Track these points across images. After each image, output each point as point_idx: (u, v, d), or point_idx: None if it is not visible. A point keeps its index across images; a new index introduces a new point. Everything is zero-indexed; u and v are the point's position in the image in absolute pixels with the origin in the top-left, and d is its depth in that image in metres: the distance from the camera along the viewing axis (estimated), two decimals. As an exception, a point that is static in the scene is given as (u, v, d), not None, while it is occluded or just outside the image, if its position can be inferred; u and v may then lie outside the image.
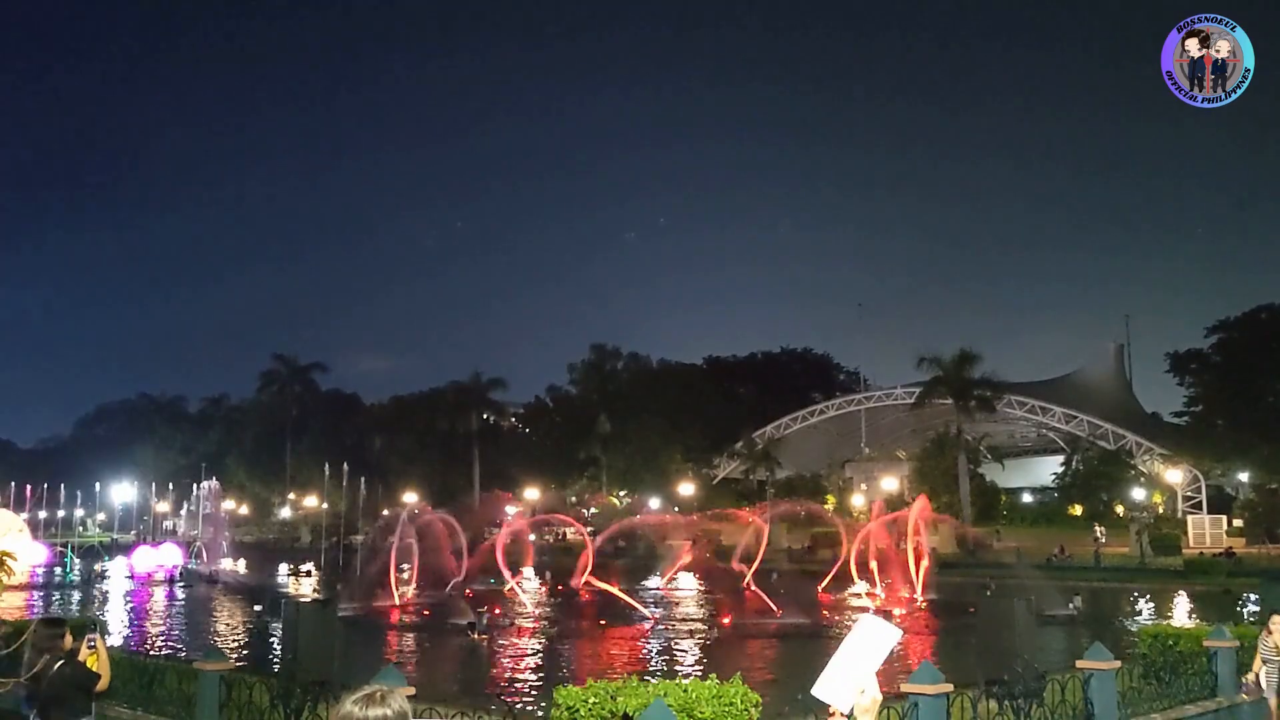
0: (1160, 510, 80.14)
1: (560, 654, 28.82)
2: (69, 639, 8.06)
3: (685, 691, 9.28)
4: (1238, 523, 76.11)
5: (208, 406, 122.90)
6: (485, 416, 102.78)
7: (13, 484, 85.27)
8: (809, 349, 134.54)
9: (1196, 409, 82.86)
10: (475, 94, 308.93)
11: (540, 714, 11.81)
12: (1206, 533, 73.63)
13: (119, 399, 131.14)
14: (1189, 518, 77.21)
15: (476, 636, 30.87)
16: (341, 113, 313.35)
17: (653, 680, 10.15)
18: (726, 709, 9.22)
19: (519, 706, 17.65)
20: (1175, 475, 79.38)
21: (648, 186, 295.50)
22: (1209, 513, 77.61)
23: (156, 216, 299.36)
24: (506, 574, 45.28)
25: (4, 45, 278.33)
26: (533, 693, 21.43)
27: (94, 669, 8.08)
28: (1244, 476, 79.10)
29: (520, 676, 24.88)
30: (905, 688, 11.22)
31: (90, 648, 8.21)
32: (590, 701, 9.24)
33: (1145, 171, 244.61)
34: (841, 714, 10.07)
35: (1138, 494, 78.35)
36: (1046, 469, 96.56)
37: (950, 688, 11.23)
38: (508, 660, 27.47)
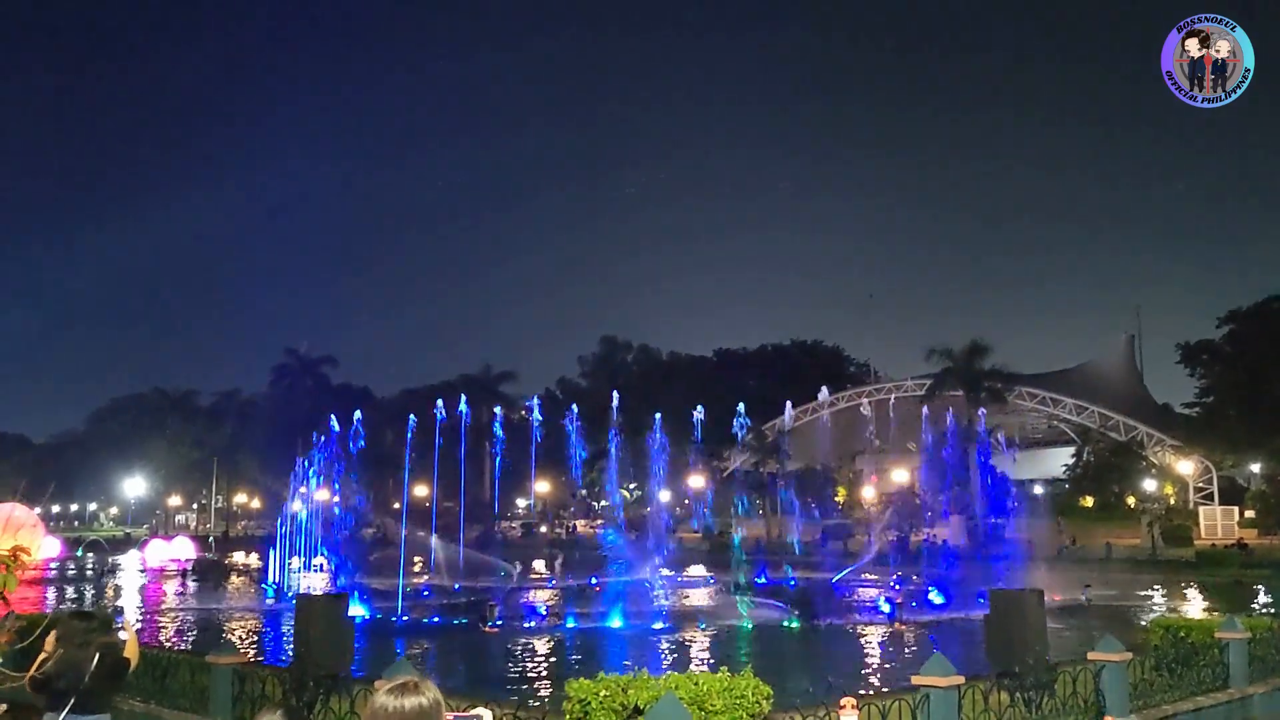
0: (1172, 501, 79.96)
1: (572, 647, 28.84)
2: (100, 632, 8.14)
3: (696, 684, 9.29)
4: (1250, 514, 75.90)
5: (220, 400, 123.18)
6: (496, 410, 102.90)
7: (25, 478, 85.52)
8: (819, 341, 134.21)
9: (1208, 400, 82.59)
10: (485, 90, 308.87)
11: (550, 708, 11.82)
12: (1218, 524, 73.49)
13: (132, 393, 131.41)
14: (1200, 509, 77.02)
15: (488, 630, 30.93)
16: (351, 109, 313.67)
17: (664, 673, 10.17)
18: (738, 701, 9.23)
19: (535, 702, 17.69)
20: (1186, 466, 79.16)
21: (657, 179, 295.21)
22: (1221, 504, 77.40)
23: (169, 210, 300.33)
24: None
25: (23, 39, 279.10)
26: (544, 686, 21.49)
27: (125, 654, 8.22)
28: (1256, 467, 78.87)
29: (531, 669, 24.93)
30: (916, 679, 11.22)
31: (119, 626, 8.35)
32: (602, 695, 9.26)
33: (1156, 162, 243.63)
34: (853, 705, 10.13)
35: (1149, 485, 78.19)
36: (1057, 461, 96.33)
37: (961, 679, 11.24)
38: (519, 653, 27.51)
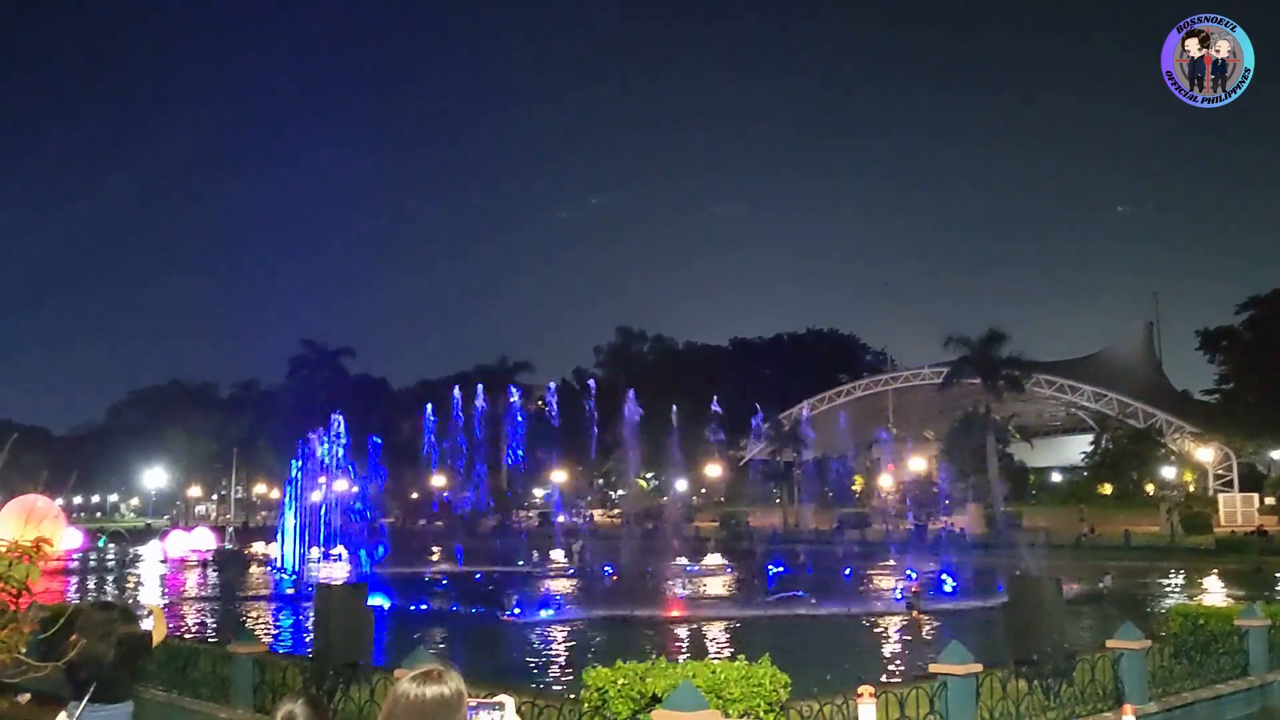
0: (1191, 489, 79.57)
1: (590, 635, 28.88)
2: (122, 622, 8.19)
3: (714, 672, 9.30)
4: (1269, 501, 75.49)
5: (238, 392, 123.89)
6: (512, 400, 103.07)
7: (47, 471, 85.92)
8: (835, 329, 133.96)
9: (1227, 386, 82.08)
10: (497, 77, 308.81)
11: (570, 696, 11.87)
12: (1238, 511, 73.13)
13: (151, 385, 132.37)
14: (1220, 496, 76.64)
15: (506, 618, 31.00)
16: (364, 96, 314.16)
17: (681, 661, 10.19)
18: (755, 689, 9.24)
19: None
20: (1206, 453, 78.74)
21: (671, 170, 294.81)
22: (1240, 491, 77.02)
23: (186, 203, 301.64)
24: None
25: (43, 27, 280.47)
26: (563, 675, 21.55)
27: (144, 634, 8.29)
28: (1276, 454, 78.44)
29: (549, 658, 25.02)
30: (934, 667, 11.21)
31: (138, 615, 8.41)
32: (619, 683, 9.28)
33: (1174, 148, 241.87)
34: (871, 693, 10.13)
35: (1168, 473, 77.78)
36: (1075, 448, 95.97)
37: (979, 667, 11.22)
38: (538, 641, 27.59)
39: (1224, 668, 14.51)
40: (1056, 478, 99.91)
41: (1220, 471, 79.78)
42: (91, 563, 60.39)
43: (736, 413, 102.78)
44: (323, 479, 57.51)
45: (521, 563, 54.12)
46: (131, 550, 66.53)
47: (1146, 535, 63.17)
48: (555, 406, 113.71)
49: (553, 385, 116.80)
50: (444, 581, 43.84)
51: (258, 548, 68.49)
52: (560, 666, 23.27)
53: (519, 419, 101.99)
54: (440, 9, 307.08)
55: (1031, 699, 11.92)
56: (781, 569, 48.81)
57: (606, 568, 47.72)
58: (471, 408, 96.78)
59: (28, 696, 11.82)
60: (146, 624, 8.48)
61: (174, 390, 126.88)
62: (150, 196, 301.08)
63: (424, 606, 35.82)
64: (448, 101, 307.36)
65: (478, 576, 47.10)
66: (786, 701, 9.64)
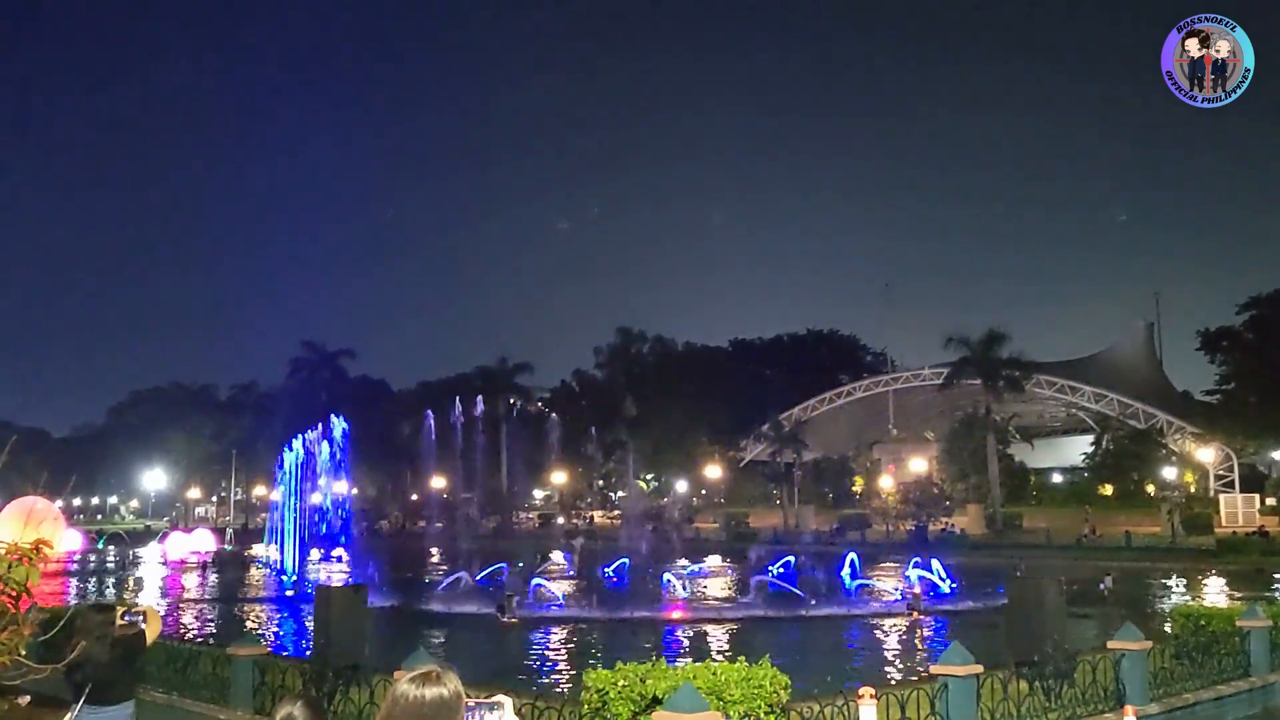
0: (1192, 489, 79.54)
1: (590, 637, 28.83)
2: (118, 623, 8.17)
3: (714, 674, 9.30)
4: (1271, 501, 75.42)
5: (238, 393, 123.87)
6: (512, 401, 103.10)
7: (47, 472, 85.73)
8: (835, 330, 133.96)
9: (1228, 387, 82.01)
10: (499, 77, 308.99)
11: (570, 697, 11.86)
12: (1239, 511, 73.04)
13: (151, 387, 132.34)
14: (1221, 497, 76.56)
15: (505, 620, 30.94)
16: (371, 105, 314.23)
17: (682, 663, 10.18)
18: (756, 691, 9.23)
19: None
20: (1207, 454, 78.69)
21: (671, 170, 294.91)
22: (1241, 491, 76.93)
23: (187, 205, 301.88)
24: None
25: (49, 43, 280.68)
26: (563, 676, 21.52)
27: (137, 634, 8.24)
28: (1277, 454, 78.35)
29: (550, 660, 24.98)
30: (935, 669, 11.21)
31: (130, 619, 8.36)
32: (620, 684, 9.27)
33: (1174, 147, 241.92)
34: (871, 695, 10.11)
35: (1169, 473, 77.72)
36: (1076, 449, 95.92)
37: (980, 668, 11.22)
38: (538, 644, 27.56)
39: (1225, 669, 14.49)
40: (1057, 478, 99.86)
41: (1221, 472, 79.73)
42: (91, 565, 60.31)
43: (736, 413, 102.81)
44: (324, 479, 57.40)
45: (520, 564, 53.97)
46: (131, 552, 66.42)
47: (1147, 536, 63.07)
48: (555, 408, 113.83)
49: (553, 389, 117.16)
50: (444, 583, 43.48)
51: (257, 549, 68.42)
52: (561, 668, 23.21)
53: (519, 420, 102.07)
54: (446, 10, 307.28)
55: (1032, 700, 11.92)
56: (781, 570, 48.76)
57: (605, 569, 47.56)
58: (471, 409, 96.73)
59: (28, 699, 11.81)
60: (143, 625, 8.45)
61: (174, 392, 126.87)
62: (150, 197, 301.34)
63: (423, 608, 35.68)
64: (445, 101, 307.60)
65: (480, 580, 46.83)
66: (787, 703, 9.63)
